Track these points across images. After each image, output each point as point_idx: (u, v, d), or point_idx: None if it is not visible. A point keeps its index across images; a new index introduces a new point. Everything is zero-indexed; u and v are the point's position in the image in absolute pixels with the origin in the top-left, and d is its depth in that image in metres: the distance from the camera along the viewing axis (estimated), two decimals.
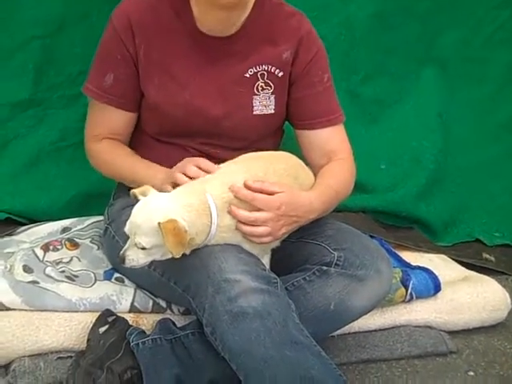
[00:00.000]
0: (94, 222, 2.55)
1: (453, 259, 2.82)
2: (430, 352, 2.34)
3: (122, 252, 1.87)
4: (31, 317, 2.10)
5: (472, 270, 2.73)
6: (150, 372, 1.94)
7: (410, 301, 2.41)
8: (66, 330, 2.11)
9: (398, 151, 3.07)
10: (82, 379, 1.93)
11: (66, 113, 2.69)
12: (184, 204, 1.84)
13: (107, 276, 2.28)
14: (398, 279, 2.37)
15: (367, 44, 3.01)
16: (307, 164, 2.19)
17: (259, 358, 1.75)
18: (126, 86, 2.17)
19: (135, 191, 1.90)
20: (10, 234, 2.54)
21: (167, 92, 2.15)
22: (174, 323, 2.07)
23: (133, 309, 2.18)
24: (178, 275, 1.98)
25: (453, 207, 3.12)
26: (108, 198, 2.37)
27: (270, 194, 1.93)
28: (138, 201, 1.89)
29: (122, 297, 2.19)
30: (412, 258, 2.68)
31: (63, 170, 2.72)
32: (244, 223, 1.91)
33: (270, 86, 2.18)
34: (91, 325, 2.09)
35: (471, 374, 2.29)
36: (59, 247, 2.42)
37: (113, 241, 2.20)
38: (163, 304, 2.19)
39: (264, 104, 2.18)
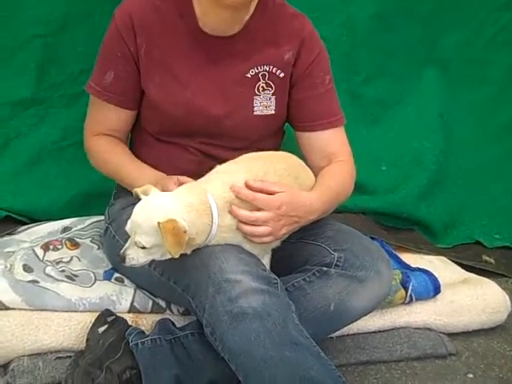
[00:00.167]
0: (95, 222, 2.55)
1: (452, 261, 2.82)
2: (430, 354, 2.34)
3: (122, 251, 1.88)
4: (31, 316, 2.10)
5: (472, 272, 2.73)
6: (149, 372, 1.94)
7: (409, 302, 2.41)
8: (66, 330, 2.11)
9: (399, 152, 3.06)
10: (81, 379, 1.93)
11: (67, 112, 2.69)
12: (184, 204, 1.84)
13: (107, 276, 2.28)
14: (398, 281, 2.37)
15: (368, 45, 3.01)
16: (307, 165, 2.19)
17: (259, 358, 1.75)
18: (126, 84, 2.17)
19: (137, 190, 1.91)
20: (10, 234, 2.54)
21: (168, 91, 2.15)
22: (173, 323, 2.08)
23: (132, 309, 2.18)
24: (178, 275, 1.98)
25: (453, 209, 3.11)
26: (108, 198, 2.38)
27: (271, 193, 1.93)
28: (139, 200, 1.89)
29: (121, 297, 2.19)
30: (412, 259, 2.68)
31: (64, 169, 2.71)
32: (245, 223, 1.91)
33: (271, 87, 2.18)
34: (90, 325, 2.09)
35: (470, 376, 2.29)
36: (59, 247, 2.42)
37: (113, 240, 2.21)
38: (163, 304, 2.19)
39: (265, 104, 2.18)
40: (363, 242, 2.16)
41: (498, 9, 3.14)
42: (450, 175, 3.13)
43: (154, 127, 2.23)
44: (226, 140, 2.20)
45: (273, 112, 2.20)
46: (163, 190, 1.93)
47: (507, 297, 2.53)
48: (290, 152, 2.18)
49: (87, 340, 2.06)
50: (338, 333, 2.20)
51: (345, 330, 2.24)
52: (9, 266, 2.27)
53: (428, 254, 2.83)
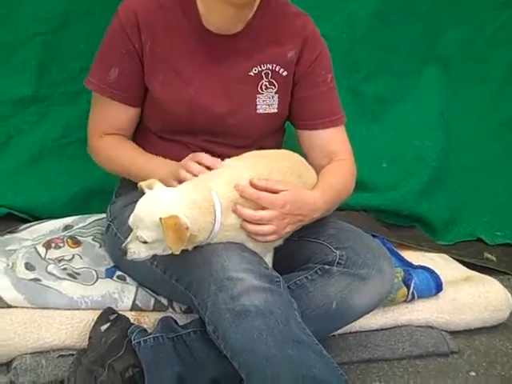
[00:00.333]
0: (96, 220, 2.55)
1: (454, 258, 2.82)
2: (432, 352, 2.34)
3: (124, 244, 1.87)
4: (33, 314, 2.10)
5: (473, 269, 2.72)
6: (152, 370, 1.93)
7: (411, 300, 2.41)
8: (68, 328, 2.11)
9: (400, 150, 3.06)
10: (84, 377, 1.93)
11: (68, 109, 2.69)
12: (188, 200, 1.84)
13: (109, 274, 2.27)
14: (400, 279, 2.37)
15: (369, 42, 3.01)
16: (308, 163, 2.19)
17: (261, 356, 1.75)
18: (131, 80, 2.16)
19: (142, 184, 1.90)
20: (11, 232, 2.54)
21: (172, 88, 2.14)
22: (175, 321, 2.07)
23: (134, 307, 2.18)
24: (180, 272, 1.98)
25: (454, 206, 3.12)
26: (110, 196, 2.37)
27: (275, 192, 1.93)
28: (143, 194, 1.89)
29: (123, 295, 2.19)
30: (413, 257, 2.68)
31: (65, 166, 2.71)
32: (249, 222, 1.91)
33: (274, 85, 2.18)
34: (93, 323, 2.09)
35: (472, 374, 2.29)
36: (61, 245, 2.41)
37: (115, 238, 2.20)
38: (165, 302, 2.19)
39: (267, 103, 2.18)
40: (365, 240, 2.16)
41: (497, 7, 3.16)
42: (450, 172, 3.13)
43: (157, 125, 2.23)
44: (229, 138, 2.19)
45: (275, 110, 2.20)
46: (168, 185, 1.93)
47: (509, 295, 2.53)
48: (291, 150, 2.18)
49: (89, 338, 2.06)
50: (340, 331, 2.20)
51: (347, 328, 2.24)
52: (11, 264, 2.27)
53: (429, 251, 2.83)
